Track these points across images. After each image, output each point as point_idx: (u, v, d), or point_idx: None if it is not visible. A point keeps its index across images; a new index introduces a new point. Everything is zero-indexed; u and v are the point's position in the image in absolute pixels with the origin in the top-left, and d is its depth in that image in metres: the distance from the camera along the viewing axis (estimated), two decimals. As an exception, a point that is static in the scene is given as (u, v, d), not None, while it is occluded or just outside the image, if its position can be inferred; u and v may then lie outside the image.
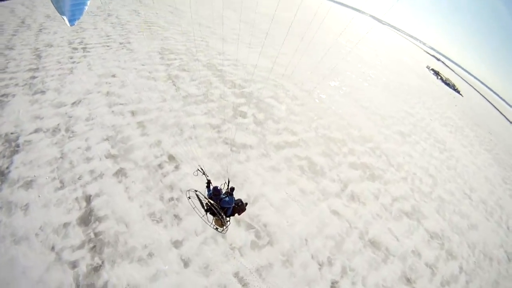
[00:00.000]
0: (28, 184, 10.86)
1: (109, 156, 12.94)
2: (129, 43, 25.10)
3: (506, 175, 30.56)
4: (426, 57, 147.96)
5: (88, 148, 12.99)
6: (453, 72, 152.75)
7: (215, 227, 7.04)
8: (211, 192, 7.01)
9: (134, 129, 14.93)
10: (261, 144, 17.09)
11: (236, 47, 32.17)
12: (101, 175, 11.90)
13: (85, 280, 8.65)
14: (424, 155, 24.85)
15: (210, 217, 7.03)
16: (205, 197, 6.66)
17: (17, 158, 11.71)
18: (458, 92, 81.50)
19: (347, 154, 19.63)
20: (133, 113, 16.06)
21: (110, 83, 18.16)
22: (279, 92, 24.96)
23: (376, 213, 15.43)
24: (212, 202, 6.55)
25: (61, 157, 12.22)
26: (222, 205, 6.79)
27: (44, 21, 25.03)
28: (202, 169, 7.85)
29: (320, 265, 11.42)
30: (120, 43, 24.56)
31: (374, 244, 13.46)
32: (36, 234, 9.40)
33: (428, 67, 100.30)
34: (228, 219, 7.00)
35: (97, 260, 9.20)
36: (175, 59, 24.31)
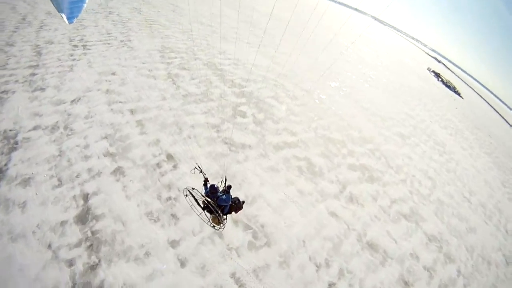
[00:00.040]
0: (26, 182, 10.81)
1: (107, 154, 12.90)
2: (129, 41, 25.06)
3: (506, 178, 30.55)
4: (427, 59, 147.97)
5: (86, 146, 12.96)
6: (454, 74, 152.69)
7: (212, 225, 7.03)
8: (208, 190, 7.00)
9: (133, 128, 14.89)
10: (260, 144, 17.06)
11: (237, 46, 32.13)
12: (99, 174, 11.86)
13: (82, 279, 8.61)
14: (423, 158, 24.82)
15: (208, 215, 7.02)
16: (202, 195, 6.65)
17: (16, 155, 11.66)
18: (459, 94, 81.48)
19: (346, 156, 19.61)
20: (132, 112, 16.03)
21: (110, 81, 18.12)
22: (279, 92, 24.92)
23: (374, 215, 15.41)
24: (209, 200, 6.54)
25: (59, 155, 12.18)
26: (219, 203, 6.78)
27: (45, 18, 24.96)
28: (199, 167, 7.85)
29: (317, 266, 11.40)
30: (121, 41, 24.52)
31: (372, 246, 13.44)
32: (33, 232, 9.36)
33: (429, 69, 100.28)
34: (225, 217, 7.00)
35: (93, 258, 9.17)
36: (176, 57, 24.28)
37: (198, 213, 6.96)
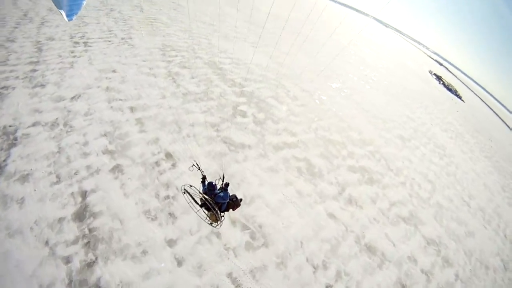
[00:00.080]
0: (25, 178, 10.79)
1: (106, 152, 12.88)
2: (130, 38, 25.02)
3: (506, 183, 30.50)
4: (428, 62, 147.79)
5: (85, 143, 12.93)
6: (455, 78, 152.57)
7: (209, 222, 7.06)
8: (206, 187, 7.04)
9: (133, 126, 14.87)
10: (260, 144, 17.03)
11: (238, 46, 32.11)
12: (97, 171, 11.83)
13: (78, 276, 8.59)
14: (423, 161, 24.78)
15: (206, 212, 7.05)
16: (200, 192, 6.69)
17: (15, 151, 11.63)
18: (460, 97, 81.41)
19: (346, 157, 19.58)
20: (132, 109, 16.00)
21: (110, 78, 18.09)
22: (279, 92, 24.89)
23: (373, 218, 15.38)
24: (206, 197, 6.57)
25: (58, 152, 12.15)
26: (217, 200, 6.81)
27: (47, 14, 24.93)
28: (197, 165, 7.87)
29: (314, 268, 11.37)
30: (122, 39, 24.48)
31: (370, 248, 13.41)
32: (31, 228, 9.34)
33: (430, 72, 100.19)
34: (222, 214, 7.03)
35: (90, 256, 9.15)
36: (176, 56, 24.24)
37: (196, 210, 7.00)
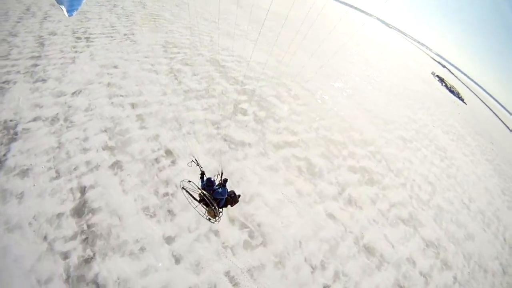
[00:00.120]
0: (24, 173, 10.79)
1: (106, 148, 12.86)
2: (133, 34, 24.97)
3: (506, 186, 30.38)
4: (431, 63, 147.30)
5: (85, 139, 12.91)
6: (458, 80, 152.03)
7: (207, 218, 7.08)
8: (204, 183, 7.05)
9: (133, 122, 14.84)
10: (260, 142, 16.99)
11: (241, 44, 32.03)
12: (97, 167, 11.82)
13: (76, 272, 8.60)
14: (424, 162, 24.70)
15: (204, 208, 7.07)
16: (198, 188, 6.72)
17: (15, 146, 11.63)
18: (462, 100, 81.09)
19: (347, 157, 19.52)
20: (133, 106, 15.98)
21: (111, 74, 18.06)
22: (281, 90, 24.83)
23: (372, 218, 15.34)
24: (205, 192, 6.59)
25: (58, 147, 12.14)
26: (215, 196, 6.81)
27: (49, 9, 24.88)
28: (196, 160, 7.90)
29: (313, 268, 11.35)
30: (124, 34, 24.43)
31: (368, 249, 13.38)
32: (30, 223, 9.34)
33: (433, 73, 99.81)
34: (220, 210, 7.04)
35: (88, 252, 9.15)
36: (179, 52, 24.18)
37: (194, 206, 7.05)
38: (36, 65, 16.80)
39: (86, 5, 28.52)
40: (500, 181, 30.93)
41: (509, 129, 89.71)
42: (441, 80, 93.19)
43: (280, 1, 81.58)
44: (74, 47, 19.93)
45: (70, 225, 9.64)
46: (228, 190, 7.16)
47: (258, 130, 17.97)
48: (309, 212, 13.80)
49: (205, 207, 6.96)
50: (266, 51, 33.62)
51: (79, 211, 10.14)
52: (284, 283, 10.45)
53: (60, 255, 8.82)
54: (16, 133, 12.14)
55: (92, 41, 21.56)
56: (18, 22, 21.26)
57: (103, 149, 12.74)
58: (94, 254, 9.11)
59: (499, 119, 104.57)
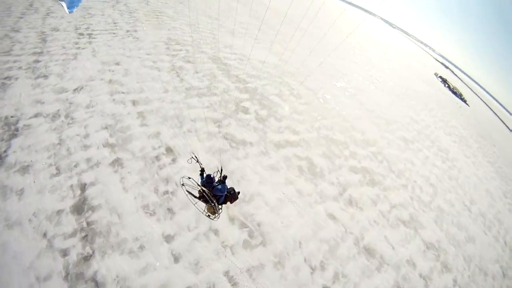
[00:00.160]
0: (25, 169, 10.78)
1: (107, 145, 12.83)
2: (135, 31, 24.90)
3: (507, 189, 30.22)
4: (434, 64, 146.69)
5: (86, 136, 12.89)
6: (460, 81, 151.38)
7: (207, 214, 7.10)
8: (204, 180, 7.05)
9: (134, 119, 14.80)
10: (261, 141, 16.93)
11: (244, 42, 31.90)
12: (97, 164, 11.80)
13: (75, 269, 8.59)
14: (426, 164, 24.58)
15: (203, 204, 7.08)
16: (198, 184, 6.69)
17: (16, 142, 11.63)
18: (465, 101, 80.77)
19: (348, 157, 19.44)
20: (134, 103, 15.93)
21: (113, 71, 18.01)
22: (283, 89, 24.73)
23: (373, 220, 15.28)
24: (205, 189, 6.58)
25: (59, 144, 12.12)
26: (215, 193, 6.82)
27: (52, 5, 24.82)
28: (196, 157, 7.90)
29: (312, 269, 11.31)
30: (127, 31, 24.37)
31: (368, 251, 13.32)
32: (29, 220, 9.34)
33: (436, 74, 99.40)
34: (220, 207, 7.04)
35: (88, 249, 9.14)
36: (181, 50, 24.11)
37: (194, 203, 7.08)
38: (38, 61, 16.77)
39: (89, 1, 28.50)
40: (501, 183, 30.77)
41: (509, 129, 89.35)
42: (444, 81, 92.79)
43: (285, 1, 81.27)
44: (76, 43, 19.89)
45: (69, 222, 9.62)
46: (228, 187, 7.19)
47: (259, 129, 17.90)
48: (310, 212, 13.75)
49: (205, 204, 6.96)
50: (269, 49, 33.49)
51: (79, 208, 10.12)
52: (283, 283, 10.42)
53: (59, 252, 8.81)
54: (17, 129, 12.13)
55: (95, 38, 21.51)
56: (21, 17, 21.23)
57: (104, 146, 12.71)
58: (93, 252, 9.10)
59: (501, 120, 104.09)
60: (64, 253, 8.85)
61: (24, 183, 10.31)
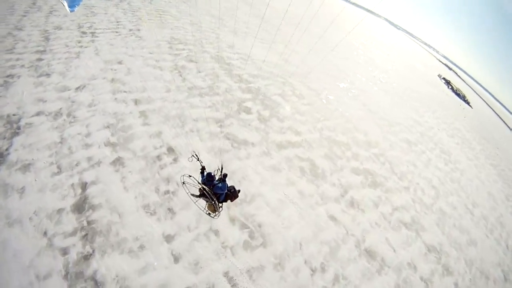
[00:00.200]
0: (26, 167, 10.80)
1: (108, 144, 12.84)
2: (138, 30, 24.92)
3: (510, 192, 29.99)
4: (438, 65, 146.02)
5: (88, 135, 12.90)
6: (464, 83, 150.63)
7: (207, 212, 7.16)
8: (204, 178, 7.12)
9: (136, 118, 14.80)
10: (263, 142, 16.88)
11: (247, 41, 31.85)
12: (98, 163, 11.80)
13: (75, 268, 8.59)
14: (428, 166, 24.43)
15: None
16: (198, 182, 6.76)
17: (17, 140, 11.66)
18: (468, 103, 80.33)
19: (350, 159, 19.35)
20: (136, 102, 15.93)
21: (115, 70, 18.03)
22: (286, 89, 24.67)
23: (374, 222, 15.19)
24: (205, 187, 6.62)
25: (60, 142, 12.14)
26: (215, 191, 6.87)
27: (55, 3, 24.86)
28: (196, 156, 7.92)
29: (312, 271, 11.25)
30: (130, 30, 24.39)
31: (369, 253, 13.25)
32: (30, 218, 9.35)
33: (439, 76, 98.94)
34: (220, 205, 7.09)
35: (88, 248, 9.13)
36: (184, 49, 24.10)
37: (195, 201, 7.14)
38: (40, 60, 16.82)
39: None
40: (504, 186, 30.54)
41: (510, 128, 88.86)
42: (448, 82, 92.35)
43: (291, 1, 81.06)
44: (79, 42, 19.93)
45: (70, 221, 9.63)
46: (228, 185, 7.24)
47: (261, 129, 17.86)
48: (311, 214, 13.69)
49: (205, 201, 7.03)
50: (272, 49, 33.38)
51: (80, 207, 10.13)
52: (283, 285, 10.37)
53: (59, 251, 8.82)
54: (19, 128, 12.16)
55: (97, 36, 21.55)
56: (24, 16, 21.30)
57: (105, 145, 12.72)
58: (93, 251, 9.10)
59: (505, 123, 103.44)
60: (64, 251, 8.85)
61: (25, 181, 10.33)
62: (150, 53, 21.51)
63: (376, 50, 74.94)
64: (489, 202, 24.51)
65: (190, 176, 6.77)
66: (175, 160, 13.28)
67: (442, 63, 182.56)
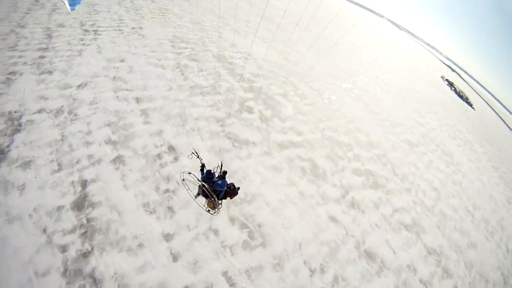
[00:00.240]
0: (26, 164, 10.81)
1: (109, 142, 12.84)
2: (141, 28, 24.94)
3: (511, 195, 29.87)
4: (441, 67, 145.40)
5: (89, 132, 12.91)
6: (466, 84, 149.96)
7: (207, 209, 7.10)
8: (204, 175, 7.13)
9: (137, 117, 14.80)
10: (265, 141, 16.86)
11: (249, 40, 31.82)
12: (99, 161, 11.81)
13: (73, 265, 8.59)
14: (430, 167, 24.33)
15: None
16: (198, 180, 6.75)
17: (18, 137, 11.67)
18: (471, 105, 79.98)
19: (352, 159, 19.29)
20: (137, 100, 15.94)
21: (118, 68, 18.04)
22: (288, 89, 24.62)
23: (375, 223, 15.14)
24: (205, 184, 6.62)
25: (61, 140, 12.15)
26: (215, 188, 6.88)
27: (58, 1, 24.91)
28: (196, 153, 7.92)
29: (311, 271, 11.21)
30: (132, 28, 24.41)
31: (369, 254, 13.20)
32: (30, 215, 9.36)
33: (442, 77, 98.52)
34: (220, 202, 7.08)
35: (87, 246, 9.14)
36: (186, 48, 24.09)
37: (194, 198, 7.10)
38: (43, 57, 16.84)
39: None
40: (505, 189, 30.37)
41: (510, 129, 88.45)
42: (450, 84, 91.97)
43: (294, 0, 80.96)
44: (82, 40, 19.95)
45: (69, 219, 9.64)
46: (228, 182, 7.26)
47: (263, 128, 17.83)
48: (311, 214, 13.65)
49: (205, 198, 7.00)
50: (275, 49, 33.37)
51: (79, 204, 10.13)
52: (282, 285, 10.34)
53: (58, 248, 8.83)
54: (20, 125, 12.18)
55: (100, 34, 21.57)
56: (27, 13, 21.35)
57: (106, 143, 12.72)
58: (92, 249, 9.10)
59: (507, 126, 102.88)
60: (63, 249, 8.86)
61: (26, 178, 10.34)
62: (152, 52, 21.52)
63: (379, 50, 74.72)
64: (490, 205, 24.39)
65: (190, 173, 6.78)
66: (175, 159, 13.27)
67: (445, 64, 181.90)
